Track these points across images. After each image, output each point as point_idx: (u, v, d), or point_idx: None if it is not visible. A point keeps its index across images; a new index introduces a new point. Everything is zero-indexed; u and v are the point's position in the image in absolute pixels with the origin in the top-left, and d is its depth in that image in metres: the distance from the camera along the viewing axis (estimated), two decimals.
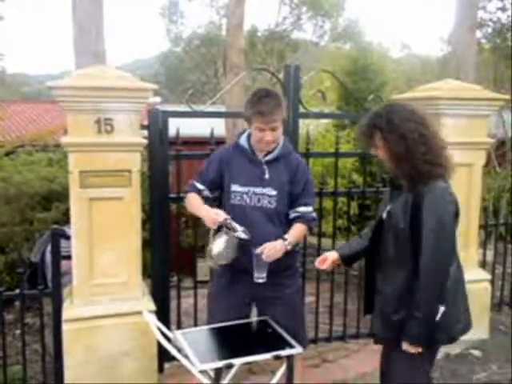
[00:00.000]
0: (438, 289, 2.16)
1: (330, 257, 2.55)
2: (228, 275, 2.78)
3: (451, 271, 2.21)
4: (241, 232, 2.54)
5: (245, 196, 2.67)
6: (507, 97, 4.15)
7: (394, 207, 2.28)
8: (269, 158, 2.70)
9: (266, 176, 2.69)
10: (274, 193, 2.68)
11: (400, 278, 2.25)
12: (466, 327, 2.37)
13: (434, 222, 2.13)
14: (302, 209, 2.73)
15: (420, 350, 2.20)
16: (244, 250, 2.59)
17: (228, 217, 2.56)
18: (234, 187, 2.68)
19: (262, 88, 2.72)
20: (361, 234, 2.70)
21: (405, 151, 2.18)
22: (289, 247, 2.62)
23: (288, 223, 2.72)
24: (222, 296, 2.82)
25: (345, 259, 2.58)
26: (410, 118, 2.20)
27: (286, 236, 2.64)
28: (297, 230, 2.70)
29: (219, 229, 2.58)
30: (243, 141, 2.76)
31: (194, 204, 2.72)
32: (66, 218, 4.20)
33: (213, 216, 2.55)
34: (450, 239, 2.18)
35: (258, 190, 2.67)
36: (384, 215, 2.34)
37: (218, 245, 2.58)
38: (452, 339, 2.32)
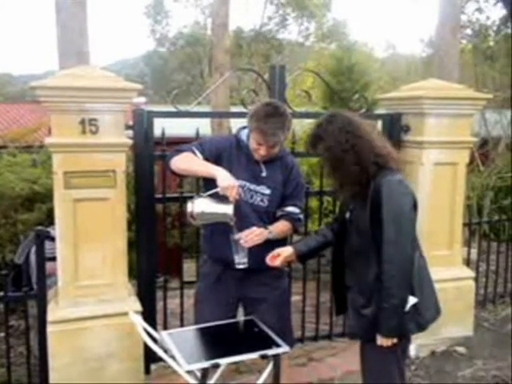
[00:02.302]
0: (403, 279, 2.20)
1: (284, 253, 2.54)
2: (214, 275, 2.78)
3: (415, 260, 2.27)
4: (234, 224, 2.53)
5: (240, 190, 2.64)
6: (490, 96, 4.19)
7: (355, 205, 2.36)
8: (266, 158, 2.69)
9: (264, 174, 2.69)
10: (267, 192, 2.68)
11: (367, 272, 2.30)
12: (436, 313, 2.41)
13: (392, 214, 2.19)
14: (289, 208, 2.75)
15: (395, 341, 2.24)
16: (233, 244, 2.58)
17: (238, 198, 2.54)
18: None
19: (272, 103, 2.65)
20: (317, 230, 2.75)
21: (336, 162, 2.28)
22: (269, 235, 2.61)
23: (276, 222, 2.73)
24: (208, 296, 2.81)
25: (300, 256, 2.60)
26: (343, 129, 2.28)
27: (269, 226, 2.65)
28: (280, 225, 2.71)
29: (217, 194, 2.52)
30: (244, 137, 2.74)
31: (199, 161, 2.62)
32: (49, 219, 4.17)
33: (234, 182, 2.48)
34: (409, 229, 2.23)
35: (253, 186, 2.67)
36: (347, 214, 2.42)
37: (210, 208, 2.53)
38: (422, 327, 2.34)
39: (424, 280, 2.37)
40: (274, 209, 2.72)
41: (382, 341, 2.25)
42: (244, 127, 2.77)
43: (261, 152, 2.62)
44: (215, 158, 2.66)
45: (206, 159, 2.64)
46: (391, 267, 2.18)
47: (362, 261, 2.32)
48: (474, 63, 12.12)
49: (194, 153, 2.65)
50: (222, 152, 2.70)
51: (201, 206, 2.55)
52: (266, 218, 2.70)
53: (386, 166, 2.27)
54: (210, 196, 2.56)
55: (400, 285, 2.19)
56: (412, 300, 2.25)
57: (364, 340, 2.42)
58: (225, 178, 2.48)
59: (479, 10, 13.05)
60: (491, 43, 12.87)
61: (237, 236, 2.54)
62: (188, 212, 2.55)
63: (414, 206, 2.29)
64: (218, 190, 2.49)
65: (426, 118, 3.68)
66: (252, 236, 2.54)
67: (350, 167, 2.26)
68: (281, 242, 2.74)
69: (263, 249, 2.57)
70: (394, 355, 2.35)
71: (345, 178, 2.32)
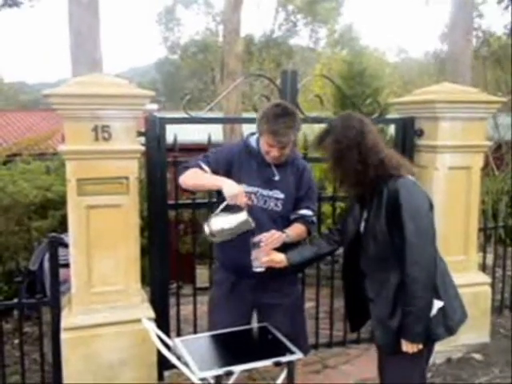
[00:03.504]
0: (427, 280, 2.16)
1: (274, 256, 2.53)
2: (228, 283, 2.76)
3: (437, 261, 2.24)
4: (251, 220, 2.50)
5: (253, 196, 2.63)
6: (504, 100, 4.15)
7: (370, 214, 2.31)
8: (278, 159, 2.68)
9: (276, 178, 2.67)
10: (281, 196, 2.67)
11: (389, 280, 2.26)
12: (463, 315, 2.36)
13: (411, 216, 2.16)
14: (303, 211, 2.74)
15: (420, 347, 2.20)
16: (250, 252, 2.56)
17: (250, 203, 2.54)
18: (243, 187, 2.61)
19: (281, 104, 2.65)
20: (312, 240, 2.73)
21: (339, 156, 2.26)
22: (287, 239, 2.60)
23: (289, 225, 2.71)
24: (223, 305, 2.79)
25: (294, 265, 2.59)
26: (351, 126, 2.28)
27: (285, 230, 2.64)
28: (295, 228, 2.70)
29: (229, 207, 2.51)
30: (253, 143, 2.73)
31: (205, 175, 2.62)
32: (62, 226, 4.19)
33: (239, 189, 2.48)
34: (429, 229, 2.21)
35: (266, 192, 2.66)
36: (361, 225, 2.37)
37: (229, 222, 2.51)
38: (451, 331, 2.29)
39: (447, 282, 2.33)
40: (288, 213, 2.71)
41: (407, 347, 2.20)
42: (252, 133, 2.77)
43: (273, 154, 2.60)
44: (225, 167, 2.66)
45: (215, 171, 2.63)
46: (415, 269, 2.14)
47: (383, 269, 2.28)
48: (481, 67, 12.06)
49: (200, 167, 2.65)
50: (232, 160, 2.69)
51: (218, 223, 2.53)
52: (281, 222, 2.68)
53: (392, 172, 2.24)
54: (223, 210, 2.54)
55: (425, 287, 2.15)
56: (438, 304, 2.21)
57: (389, 353, 2.35)
58: (230, 188, 2.47)
59: (480, 16, 13.09)
60: (495, 47, 12.81)
61: (257, 238, 2.52)
62: (207, 233, 2.54)
63: (431, 207, 2.26)
64: (227, 202, 2.49)
65: (439, 122, 3.65)
66: (272, 239, 2.54)
67: (352, 165, 2.24)
68: (295, 245, 2.73)
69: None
70: (419, 366, 2.30)
71: (345, 176, 2.31)
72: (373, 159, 2.24)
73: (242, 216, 2.49)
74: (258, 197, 2.64)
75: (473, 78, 9.02)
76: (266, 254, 2.53)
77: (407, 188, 2.21)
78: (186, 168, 2.68)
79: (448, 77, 8.35)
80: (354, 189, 2.35)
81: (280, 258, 2.54)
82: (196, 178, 2.64)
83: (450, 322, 2.27)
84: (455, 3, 9.09)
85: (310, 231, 2.80)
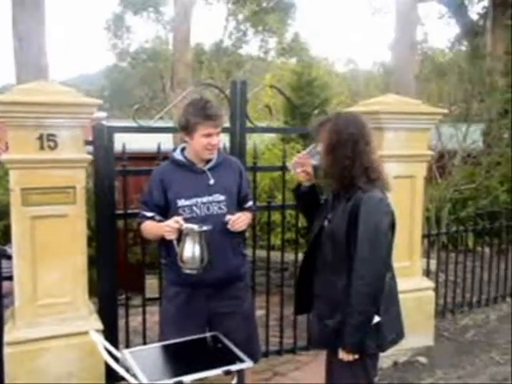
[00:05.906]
0: (372, 297, 2.20)
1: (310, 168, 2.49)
2: (183, 297, 2.72)
3: (386, 280, 2.27)
4: (197, 226, 2.54)
5: (194, 208, 2.65)
6: (445, 111, 4.32)
7: (334, 215, 2.36)
8: (211, 165, 2.72)
9: (211, 182, 2.69)
10: (222, 198, 2.69)
11: (336, 284, 2.31)
12: (398, 337, 2.41)
13: (368, 231, 2.20)
14: (250, 203, 2.86)
15: (356, 356, 2.24)
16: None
17: (178, 218, 2.56)
18: (181, 202, 2.65)
19: (198, 97, 2.77)
20: None
21: (333, 145, 2.29)
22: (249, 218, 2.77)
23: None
24: (175, 324, 2.73)
25: (310, 188, 2.55)
26: (354, 124, 2.32)
27: (243, 214, 2.72)
28: (249, 215, 2.79)
29: (180, 238, 2.57)
30: (178, 155, 2.75)
31: (153, 229, 2.70)
32: (5, 237, 4.07)
33: (166, 228, 2.56)
34: (383, 249, 2.24)
35: (205, 198, 2.67)
36: (325, 223, 2.41)
37: (186, 249, 2.55)
38: (381, 348, 2.34)
39: (392, 302, 2.37)
40: (233, 212, 2.70)
41: (343, 355, 2.26)
42: (173, 149, 2.82)
43: (213, 142, 2.64)
44: (162, 199, 2.69)
45: (159, 207, 2.69)
46: (362, 285, 2.18)
47: (333, 272, 2.33)
48: (425, 79, 12.52)
49: (146, 217, 2.71)
50: (163, 187, 2.70)
51: (184, 255, 2.56)
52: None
53: (372, 179, 2.28)
54: (184, 246, 2.56)
55: (368, 301, 2.19)
56: (375, 318, 2.25)
57: (326, 349, 2.42)
58: (166, 233, 2.56)
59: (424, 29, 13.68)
60: (439, 60, 13.33)
61: (227, 218, 2.62)
62: (189, 268, 2.58)
63: (393, 226, 2.31)
64: (172, 238, 2.56)
65: (384, 132, 3.76)
66: (239, 221, 2.64)
67: (341, 158, 2.26)
68: (242, 236, 2.84)
69: (231, 259, 2.68)
70: (363, 370, 2.34)
71: (331, 166, 2.31)
72: (361, 162, 2.27)
73: (187, 239, 2.54)
74: (198, 207, 2.66)
75: (416, 89, 9.30)
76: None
77: (370, 204, 2.23)
78: (140, 219, 2.76)
79: (393, 88, 8.59)
80: (335, 183, 2.36)
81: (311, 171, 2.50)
82: (148, 233, 2.75)
83: (382, 340, 2.31)
84: (399, 17, 9.39)
85: (254, 217, 2.96)
